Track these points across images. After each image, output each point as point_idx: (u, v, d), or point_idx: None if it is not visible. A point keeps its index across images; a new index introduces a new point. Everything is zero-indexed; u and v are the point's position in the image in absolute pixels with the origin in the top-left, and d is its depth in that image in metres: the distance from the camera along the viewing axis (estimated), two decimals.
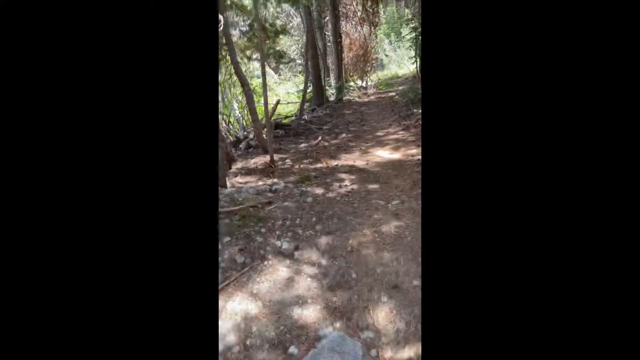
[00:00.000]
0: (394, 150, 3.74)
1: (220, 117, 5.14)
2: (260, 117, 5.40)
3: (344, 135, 4.87)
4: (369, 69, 10.42)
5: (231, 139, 5.46)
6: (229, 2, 4.11)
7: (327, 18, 8.34)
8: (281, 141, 4.99)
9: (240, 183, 3.10)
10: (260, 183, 3.08)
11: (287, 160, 3.74)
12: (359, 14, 8.59)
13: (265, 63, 6.43)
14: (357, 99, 8.99)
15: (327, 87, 8.58)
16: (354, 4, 8.52)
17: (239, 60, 4.89)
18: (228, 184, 3.00)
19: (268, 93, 10.55)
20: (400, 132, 4.52)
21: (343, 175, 3.11)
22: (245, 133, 5.67)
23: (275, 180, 3.11)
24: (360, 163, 3.44)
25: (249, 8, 4.44)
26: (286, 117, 6.81)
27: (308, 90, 7.69)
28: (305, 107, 7.64)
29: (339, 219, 2.20)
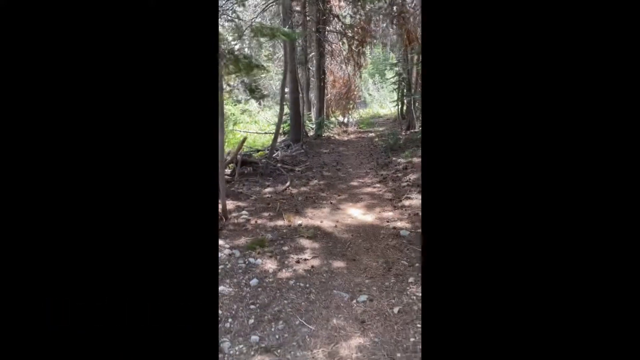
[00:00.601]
0: (368, 209, 3.29)
1: None
2: (226, 151, 4.88)
3: (315, 181, 4.40)
4: (352, 106, 10.32)
5: None
6: None
7: (312, 54, 8.19)
8: (245, 181, 4.45)
9: None
10: None
11: (244, 212, 3.18)
12: (344, 53, 8.52)
13: (244, 91, 6.02)
14: (336, 137, 8.71)
15: (306, 122, 8.29)
16: (340, 43, 8.47)
17: None
18: None
19: (247, 120, 9.96)
20: (377, 185, 4.11)
21: (305, 243, 2.59)
22: None
23: (221, 242, 2.53)
24: (327, 224, 2.94)
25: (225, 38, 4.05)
26: (258, 150, 6.32)
27: (286, 124, 7.33)
28: (281, 140, 7.23)
29: (285, 324, 1.64)
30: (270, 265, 2.23)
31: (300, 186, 4.20)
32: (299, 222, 2.99)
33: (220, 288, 1.89)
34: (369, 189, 3.98)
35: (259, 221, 3.00)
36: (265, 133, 8.83)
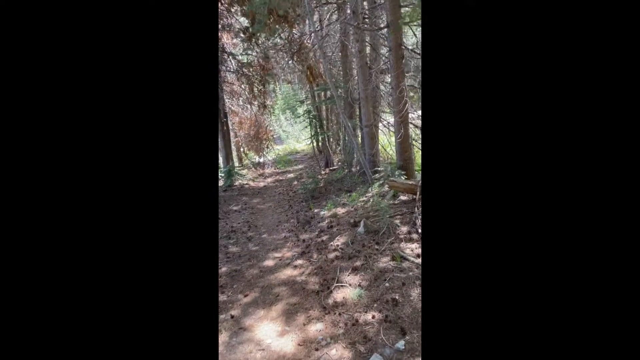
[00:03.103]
0: (287, 321, 2.28)
1: None
2: None
3: (219, 267, 3.24)
4: (265, 145, 9.47)
5: None
6: None
7: None
8: None
9: None
10: None
11: None
12: (246, 92, 7.70)
13: None
14: (251, 184, 7.66)
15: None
16: (239, 84, 7.64)
17: None
18: None
19: None
20: (298, 262, 3.17)
21: None
22: None
23: None
24: None
25: None
26: None
27: None
28: None
29: None
30: None
31: None
32: None
33: None
34: (288, 272, 3.01)
35: None
36: None
